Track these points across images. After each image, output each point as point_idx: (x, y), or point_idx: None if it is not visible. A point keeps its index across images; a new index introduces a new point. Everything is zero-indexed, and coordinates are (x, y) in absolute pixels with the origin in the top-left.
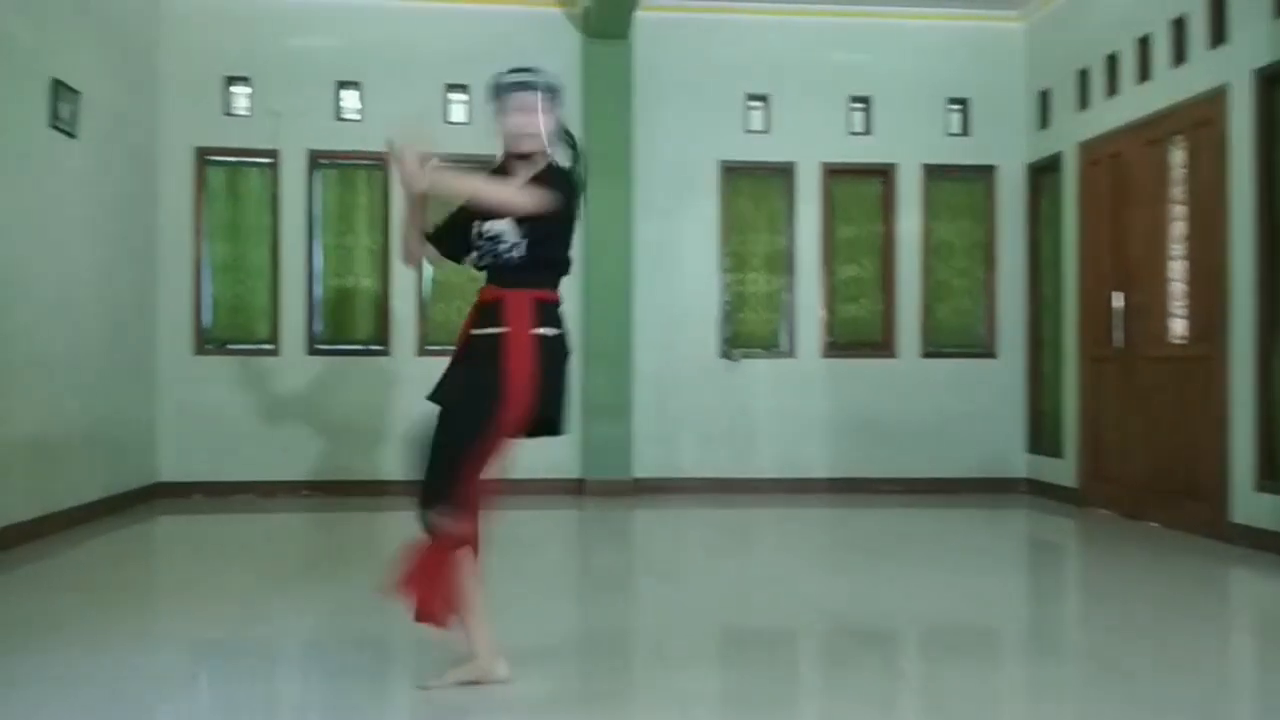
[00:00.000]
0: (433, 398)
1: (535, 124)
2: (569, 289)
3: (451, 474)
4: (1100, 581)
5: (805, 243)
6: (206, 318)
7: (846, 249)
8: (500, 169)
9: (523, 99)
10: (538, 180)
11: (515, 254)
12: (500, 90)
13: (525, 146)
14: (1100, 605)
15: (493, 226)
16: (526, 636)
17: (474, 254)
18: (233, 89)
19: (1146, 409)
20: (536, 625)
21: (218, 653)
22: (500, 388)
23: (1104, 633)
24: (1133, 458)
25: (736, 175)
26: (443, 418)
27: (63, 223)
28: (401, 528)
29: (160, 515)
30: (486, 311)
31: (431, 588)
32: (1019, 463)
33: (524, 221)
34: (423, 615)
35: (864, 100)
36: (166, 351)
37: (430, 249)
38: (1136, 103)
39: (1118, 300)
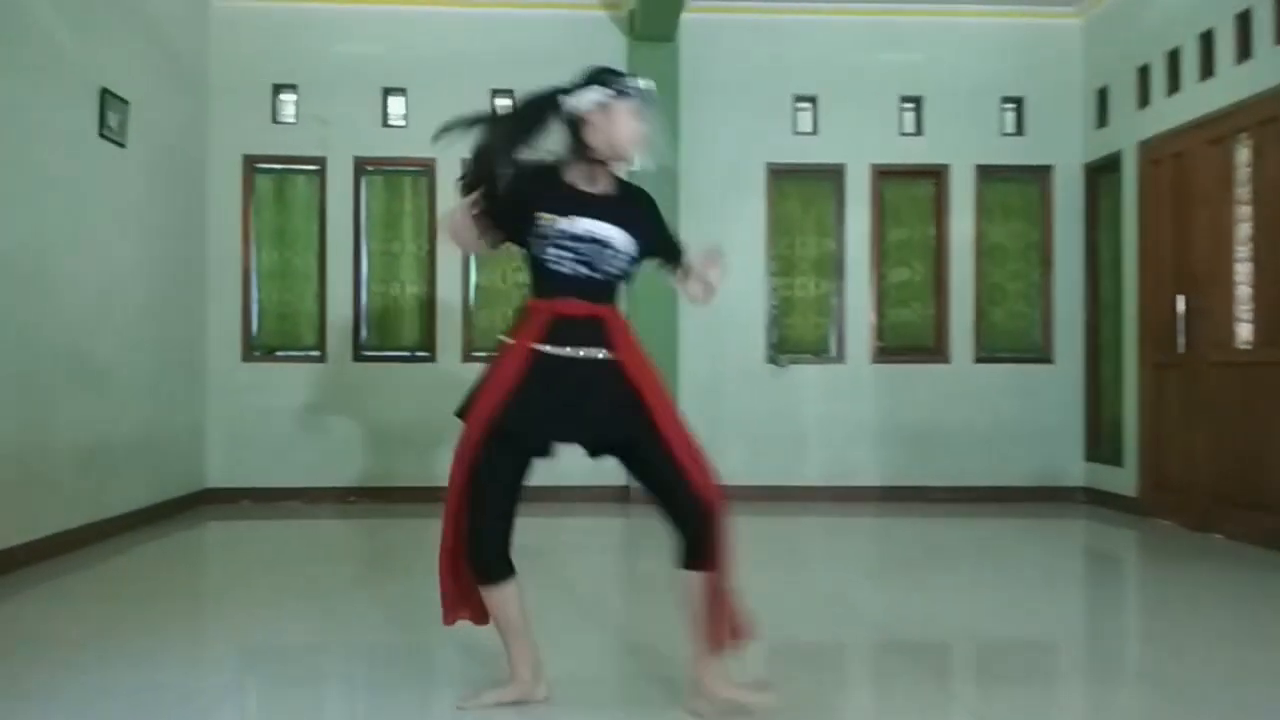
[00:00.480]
0: (567, 436)
1: (643, 136)
2: None
3: (706, 509)
4: (1162, 597)
5: (855, 246)
6: (254, 324)
7: (897, 252)
8: (552, 169)
9: (641, 108)
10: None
11: (617, 267)
12: (625, 92)
13: (632, 156)
14: (1162, 623)
15: (601, 229)
16: (567, 651)
17: (560, 252)
18: (281, 96)
19: (1211, 416)
20: (577, 638)
21: (255, 665)
22: (662, 406)
23: (1165, 653)
24: (1196, 467)
25: (784, 178)
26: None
27: (112, 231)
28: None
29: (208, 521)
30: (578, 328)
31: (723, 617)
32: (1077, 471)
33: (642, 237)
34: (721, 645)
35: (915, 100)
36: (215, 358)
37: (473, 235)
38: (1199, 100)
39: (1180, 304)
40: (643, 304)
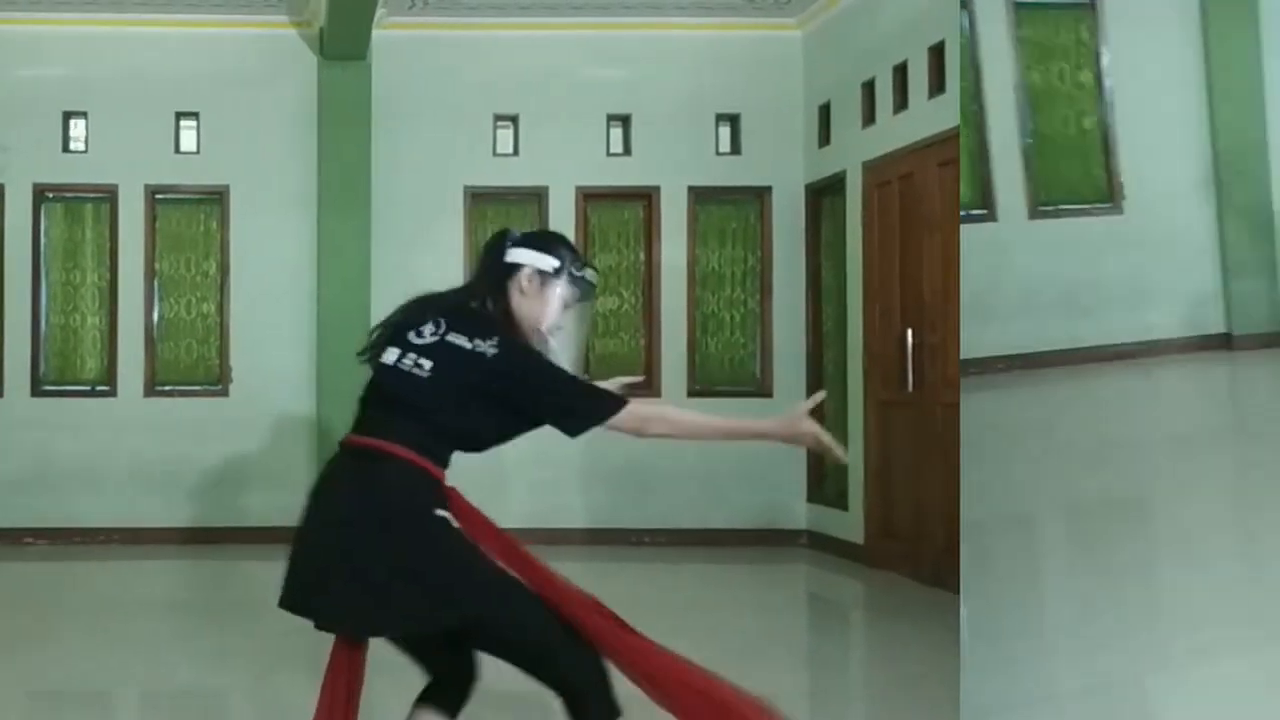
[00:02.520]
0: None
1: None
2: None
3: None
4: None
5: None
6: None
7: (605, 279)
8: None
9: (577, 300)
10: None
11: None
12: (582, 288)
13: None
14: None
15: None
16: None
17: None
18: None
19: (943, 462)
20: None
21: None
22: None
23: None
24: (927, 515)
25: (484, 201)
26: None
27: None
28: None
29: None
30: None
31: None
32: (799, 513)
33: None
34: None
35: (623, 118)
36: None
37: None
38: (929, 118)
39: (909, 338)
40: (330, 338)
